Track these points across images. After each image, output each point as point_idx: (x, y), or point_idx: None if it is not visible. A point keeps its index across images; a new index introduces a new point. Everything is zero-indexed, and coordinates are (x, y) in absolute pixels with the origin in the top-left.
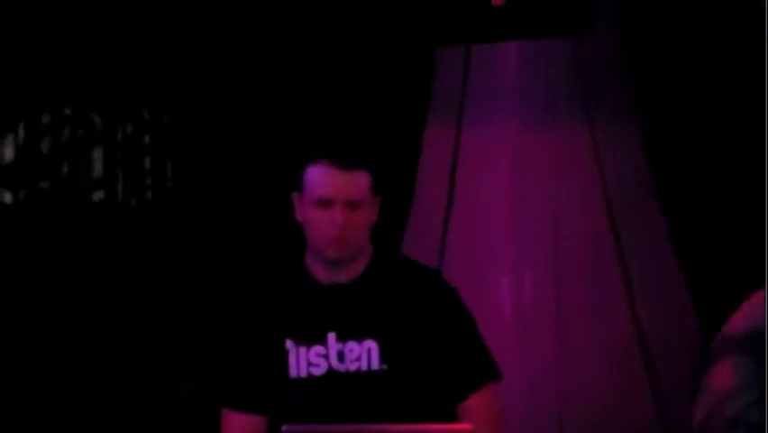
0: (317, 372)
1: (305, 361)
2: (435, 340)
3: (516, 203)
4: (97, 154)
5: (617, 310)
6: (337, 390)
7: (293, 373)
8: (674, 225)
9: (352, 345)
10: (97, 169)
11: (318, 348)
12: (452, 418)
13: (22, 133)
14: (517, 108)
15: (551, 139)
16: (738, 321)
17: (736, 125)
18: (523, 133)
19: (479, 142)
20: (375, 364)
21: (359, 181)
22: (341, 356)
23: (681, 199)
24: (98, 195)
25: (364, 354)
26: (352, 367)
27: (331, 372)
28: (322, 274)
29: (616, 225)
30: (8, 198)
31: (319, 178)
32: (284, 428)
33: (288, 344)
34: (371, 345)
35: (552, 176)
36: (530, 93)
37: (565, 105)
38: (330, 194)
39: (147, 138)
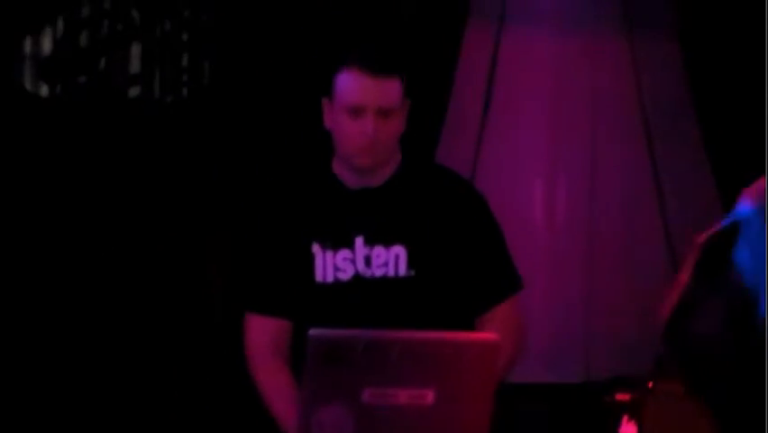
0: (344, 276)
1: (331, 265)
2: (462, 249)
3: (552, 111)
4: (135, 50)
5: (649, 221)
6: (363, 295)
7: (319, 277)
8: (710, 142)
9: (379, 250)
10: (135, 64)
11: (345, 253)
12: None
13: (60, 25)
14: (557, 16)
15: (591, 50)
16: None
17: None
18: (562, 40)
19: (518, 47)
20: (402, 270)
21: (390, 88)
22: (368, 261)
23: (718, 117)
24: (135, 91)
25: (392, 260)
26: (379, 273)
27: (357, 277)
28: (350, 179)
29: (651, 138)
30: (45, 91)
31: (350, 84)
32: (311, 331)
33: (315, 248)
34: (399, 250)
35: (589, 85)
36: (571, 1)
37: (605, 15)
38: (360, 101)
39: (185, 36)
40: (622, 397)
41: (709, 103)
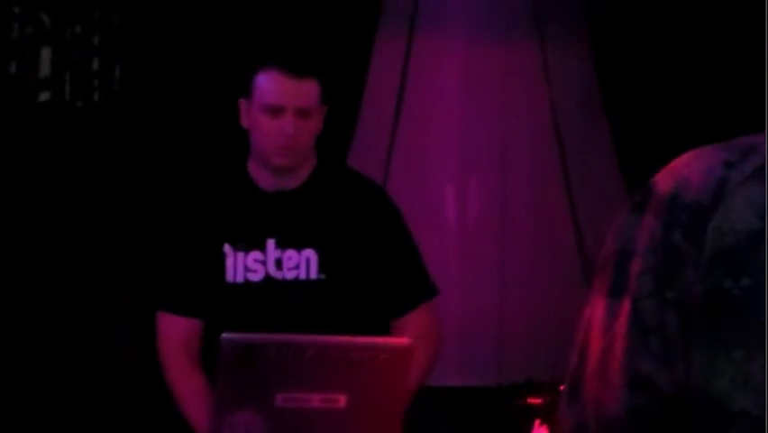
0: (254, 278)
1: (242, 266)
2: (375, 255)
3: (464, 115)
4: (45, 54)
5: (560, 223)
6: (274, 297)
7: (229, 277)
8: (620, 145)
9: (291, 253)
10: (45, 68)
11: (256, 254)
12: (388, 330)
13: None
14: (469, 21)
15: (501, 53)
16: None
17: (685, 44)
18: (474, 45)
19: (429, 52)
20: (313, 274)
21: (308, 89)
22: (278, 264)
23: (628, 120)
24: (45, 95)
25: (303, 263)
26: (290, 275)
27: (268, 278)
28: (265, 181)
29: (562, 139)
30: None
31: (269, 85)
32: (223, 335)
33: (226, 248)
34: (310, 254)
35: (500, 89)
36: (482, 6)
37: (517, 20)
38: (280, 101)
39: (96, 40)
40: (534, 401)
41: (619, 106)
